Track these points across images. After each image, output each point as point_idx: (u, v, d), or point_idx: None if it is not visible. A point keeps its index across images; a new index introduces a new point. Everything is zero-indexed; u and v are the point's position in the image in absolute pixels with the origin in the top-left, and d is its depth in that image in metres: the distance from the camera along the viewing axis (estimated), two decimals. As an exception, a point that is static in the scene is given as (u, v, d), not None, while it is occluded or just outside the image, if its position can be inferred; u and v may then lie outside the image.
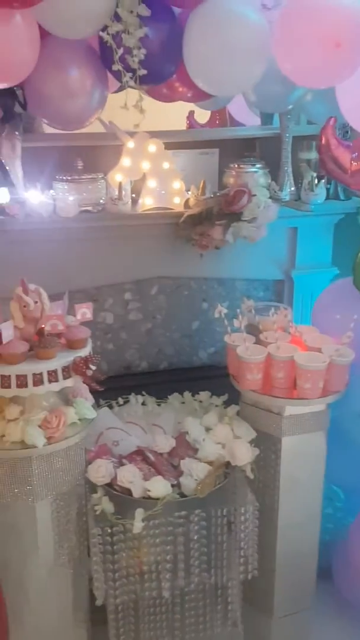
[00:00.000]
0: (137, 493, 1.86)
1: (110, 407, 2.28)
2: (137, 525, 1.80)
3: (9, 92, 2.45)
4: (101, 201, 2.49)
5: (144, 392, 2.34)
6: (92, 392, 1.93)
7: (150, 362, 2.86)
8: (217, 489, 1.90)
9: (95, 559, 1.89)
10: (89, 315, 1.87)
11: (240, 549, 1.96)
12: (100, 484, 1.92)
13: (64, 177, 2.46)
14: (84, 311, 1.86)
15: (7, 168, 2.44)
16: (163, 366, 2.88)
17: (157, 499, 1.84)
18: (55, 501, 1.91)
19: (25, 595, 2.01)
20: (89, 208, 2.48)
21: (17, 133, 2.44)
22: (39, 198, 2.40)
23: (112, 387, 2.58)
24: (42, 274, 2.53)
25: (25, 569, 1.98)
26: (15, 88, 2.44)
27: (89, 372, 1.80)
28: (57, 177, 2.47)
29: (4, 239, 2.47)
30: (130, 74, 1.96)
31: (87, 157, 2.54)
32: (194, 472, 1.91)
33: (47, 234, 2.49)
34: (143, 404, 2.31)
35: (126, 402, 2.31)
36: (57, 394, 1.88)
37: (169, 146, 2.54)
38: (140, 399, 2.31)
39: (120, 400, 2.30)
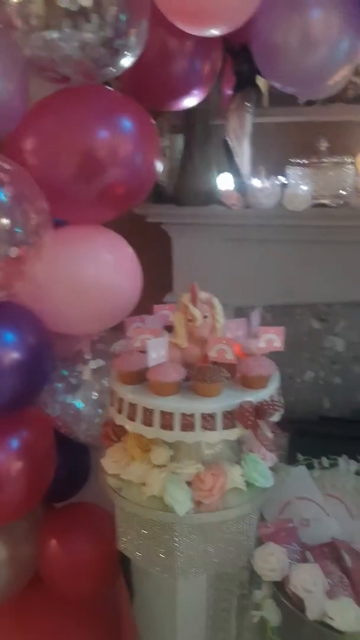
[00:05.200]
0: (311, 613, 1.26)
1: (311, 466, 1.68)
2: (300, 667, 1.21)
3: (248, 56, 2.00)
4: (343, 192, 1.89)
5: (360, 457, 1.68)
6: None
7: (389, 409, 2.17)
8: None
9: None
10: (277, 344, 1.32)
11: None
12: (266, 580, 1.36)
13: (301, 161, 1.93)
14: (271, 338, 1.31)
15: (233, 148, 2.00)
16: None
17: (340, 632, 1.22)
18: (210, 582, 1.42)
19: None
20: (326, 201, 1.91)
21: (248, 105, 1.98)
22: (264, 186, 1.91)
23: (332, 434, 2.01)
24: (257, 280, 2.08)
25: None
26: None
27: (264, 425, 1.25)
28: (291, 160, 1.95)
29: (216, 234, 2.06)
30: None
31: (333, 136, 1.96)
32: None
33: (268, 231, 2.00)
34: (358, 473, 1.66)
35: (333, 465, 1.68)
36: (226, 443, 1.38)
37: None
38: (353, 465, 1.66)
39: (325, 462, 1.69)
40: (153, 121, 1.54)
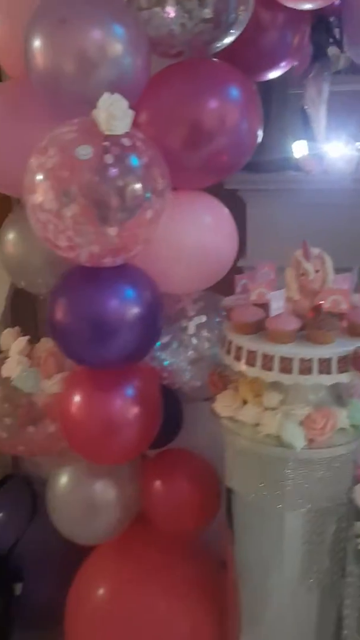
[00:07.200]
0: None
1: None
2: None
3: (324, 27, 2.09)
4: None
5: None
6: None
7: None
8: None
9: (348, 601, 1.51)
10: (381, 297, 1.45)
11: None
12: (368, 511, 1.51)
13: (376, 127, 2.03)
14: (376, 290, 1.44)
15: (309, 115, 2.10)
16: None
17: None
18: (309, 515, 1.57)
19: (263, 607, 1.74)
20: None
21: (326, 74, 2.08)
22: (342, 151, 2.02)
23: None
24: (335, 244, 2.15)
25: (267, 580, 1.70)
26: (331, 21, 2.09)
27: (371, 370, 1.39)
28: (367, 126, 2.06)
29: (294, 199, 2.16)
30: None
31: None
32: None
33: (346, 196, 2.10)
34: None
35: None
36: (329, 389, 1.51)
37: None
38: None
39: None
40: (256, 89, 1.64)
